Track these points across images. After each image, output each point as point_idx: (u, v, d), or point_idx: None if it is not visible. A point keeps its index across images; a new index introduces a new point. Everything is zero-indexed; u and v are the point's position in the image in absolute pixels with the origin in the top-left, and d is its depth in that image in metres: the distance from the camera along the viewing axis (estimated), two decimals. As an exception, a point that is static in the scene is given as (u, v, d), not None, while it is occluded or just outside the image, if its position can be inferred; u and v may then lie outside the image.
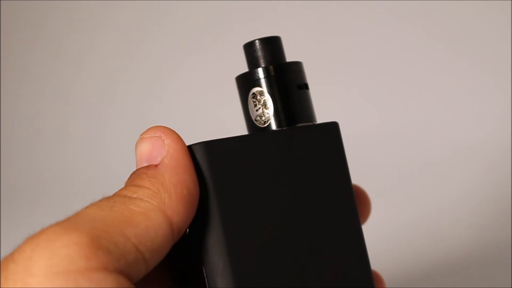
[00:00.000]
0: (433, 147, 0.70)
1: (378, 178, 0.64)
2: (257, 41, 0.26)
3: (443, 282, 0.44)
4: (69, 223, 0.19)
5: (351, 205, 0.25)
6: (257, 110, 0.25)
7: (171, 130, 0.23)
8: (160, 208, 0.21)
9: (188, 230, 0.22)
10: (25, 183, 0.91)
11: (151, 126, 0.23)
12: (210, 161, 0.22)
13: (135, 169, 0.23)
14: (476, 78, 0.74)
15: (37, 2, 1.02)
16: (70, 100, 0.99)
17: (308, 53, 0.78)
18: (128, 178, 0.23)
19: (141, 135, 0.23)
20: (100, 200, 0.21)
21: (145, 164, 0.22)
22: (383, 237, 0.49)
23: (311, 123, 0.26)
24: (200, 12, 0.90)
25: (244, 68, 0.26)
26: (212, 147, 0.22)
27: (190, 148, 0.23)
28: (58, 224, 0.19)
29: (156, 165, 0.22)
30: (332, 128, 0.25)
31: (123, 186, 0.22)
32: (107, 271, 0.18)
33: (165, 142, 0.22)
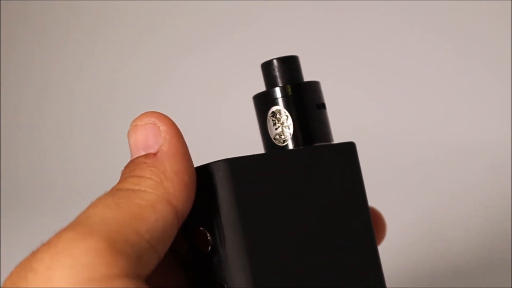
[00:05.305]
0: (434, 146, 0.71)
1: (378, 177, 0.64)
2: (275, 60, 0.26)
3: (442, 282, 0.45)
4: (83, 228, 0.19)
5: (367, 225, 0.25)
6: (276, 129, 0.26)
7: (165, 115, 0.22)
8: (165, 198, 0.21)
9: (210, 248, 0.22)
10: (28, 184, 0.91)
11: (143, 112, 0.22)
12: (233, 178, 0.22)
13: (131, 159, 0.22)
14: (477, 77, 0.74)
15: (38, 2, 1.01)
16: (72, 100, 0.99)
17: (311, 51, 0.78)
18: (125, 168, 0.22)
19: (133, 122, 0.22)
20: (104, 197, 0.21)
21: (142, 153, 0.22)
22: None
23: (328, 143, 0.26)
24: (202, 14, 0.90)
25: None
26: (234, 164, 0.22)
27: (211, 165, 0.23)
28: (73, 229, 0.19)
29: (154, 154, 0.21)
30: (349, 149, 0.26)
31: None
32: (128, 277, 0.18)
33: (161, 128, 0.22)
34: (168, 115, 0.22)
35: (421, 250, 0.50)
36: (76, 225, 0.19)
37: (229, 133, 0.79)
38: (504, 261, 0.46)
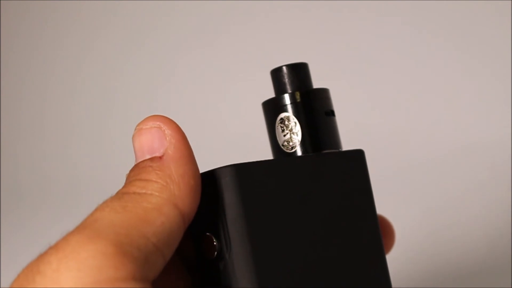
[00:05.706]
0: (434, 146, 0.71)
1: (378, 176, 0.64)
2: (284, 67, 0.26)
3: (443, 282, 0.45)
4: (91, 231, 0.19)
5: (375, 233, 0.25)
6: (284, 135, 0.26)
7: (170, 119, 0.22)
8: (171, 201, 0.21)
9: (216, 253, 0.22)
10: (28, 184, 0.91)
11: (147, 116, 0.22)
12: (240, 184, 0.22)
13: (136, 162, 0.22)
14: (477, 77, 0.74)
15: (38, 2, 1.01)
16: (73, 100, 0.99)
17: (312, 52, 0.78)
18: (131, 171, 0.22)
19: (138, 125, 0.22)
20: (111, 201, 0.21)
21: (147, 157, 0.22)
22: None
23: (337, 150, 0.26)
24: (211, 17, 0.90)
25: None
26: (241, 170, 0.22)
27: (218, 170, 0.23)
28: (80, 232, 0.19)
29: (160, 157, 0.22)
30: (358, 156, 0.26)
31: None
32: (135, 280, 0.18)
33: (166, 132, 0.22)
34: (173, 119, 0.22)
35: (422, 251, 0.50)
36: (83, 228, 0.19)
37: (237, 138, 0.79)
38: (504, 261, 0.46)
